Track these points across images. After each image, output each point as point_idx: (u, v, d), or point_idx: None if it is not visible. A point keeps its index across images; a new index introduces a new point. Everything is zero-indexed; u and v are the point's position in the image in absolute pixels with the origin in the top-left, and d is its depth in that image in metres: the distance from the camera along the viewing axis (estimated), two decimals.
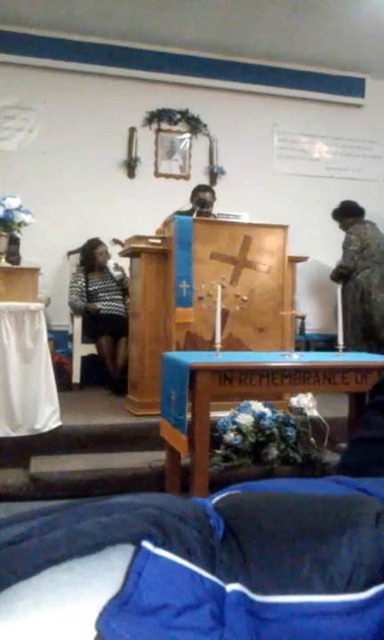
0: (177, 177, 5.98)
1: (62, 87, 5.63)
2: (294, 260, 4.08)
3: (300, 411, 3.68)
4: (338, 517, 0.44)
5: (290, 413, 3.52)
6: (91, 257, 5.16)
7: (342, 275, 5.01)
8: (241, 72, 5.94)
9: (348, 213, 5.19)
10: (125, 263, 4.72)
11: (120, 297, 5.10)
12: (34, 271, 3.57)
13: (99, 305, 4.97)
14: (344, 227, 5.22)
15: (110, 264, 5.17)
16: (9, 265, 3.57)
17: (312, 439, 3.47)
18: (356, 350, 4.42)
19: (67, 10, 5.14)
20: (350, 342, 4.60)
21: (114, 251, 5.22)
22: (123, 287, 5.06)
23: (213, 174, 6.03)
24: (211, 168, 6.04)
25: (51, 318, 5.12)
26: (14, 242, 4.56)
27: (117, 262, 5.05)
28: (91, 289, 5.07)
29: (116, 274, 5.15)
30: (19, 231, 3.57)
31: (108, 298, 5.05)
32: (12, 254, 4.49)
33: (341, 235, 5.67)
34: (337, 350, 2.92)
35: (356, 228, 5.07)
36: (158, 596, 0.37)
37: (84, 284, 5.08)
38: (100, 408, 4.04)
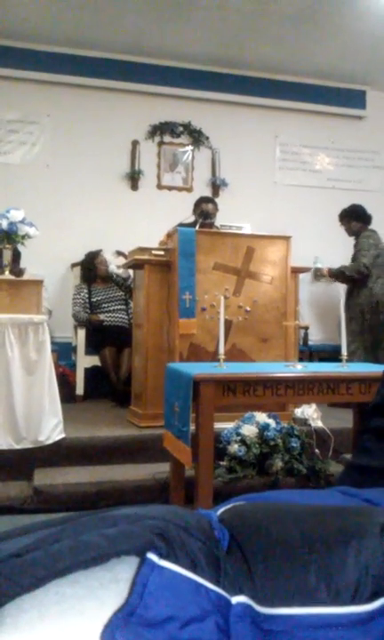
0: (180, 189, 6.01)
1: (65, 101, 5.68)
2: (297, 271, 4.08)
3: (304, 421, 3.66)
4: (343, 528, 0.44)
5: (294, 424, 3.51)
6: (92, 268, 5.18)
7: (357, 276, 4.63)
8: (243, 85, 5.99)
9: (358, 217, 4.96)
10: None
11: (123, 307, 5.11)
12: (37, 283, 3.58)
13: (102, 316, 4.98)
14: (350, 230, 4.98)
15: (112, 267, 5.19)
16: (13, 277, 3.59)
17: (317, 450, 3.45)
18: (366, 360, 4.37)
19: (70, 25, 5.20)
20: (357, 352, 4.54)
21: (117, 263, 5.24)
22: (128, 288, 5.04)
23: (216, 186, 6.06)
24: (213, 180, 6.07)
25: (54, 330, 5.12)
26: (14, 253, 4.58)
27: (118, 263, 5.07)
28: (94, 300, 5.09)
29: (120, 271, 5.15)
30: (23, 243, 3.59)
31: (111, 309, 5.06)
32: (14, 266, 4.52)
33: (344, 242, 5.69)
34: (341, 361, 2.91)
35: (371, 235, 4.82)
36: (163, 608, 0.37)
37: (86, 296, 5.10)
38: (103, 420, 4.03)
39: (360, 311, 4.63)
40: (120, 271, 5.15)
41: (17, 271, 4.55)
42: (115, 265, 5.18)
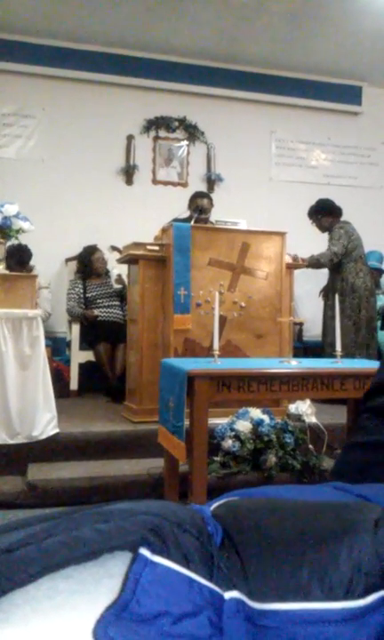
0: (175, 184, 6.00)
1: (61, 95, 5.65)
2: (292, 267, 4.08)
3: (298, 417, 3.67)
4: (336, 524, 0.44)
5: (288, 420, 3.52)
6: (88, 264, 5.17)
7: (329, 265, 4.74)
8: (239, 80, 5.98)
9: (326, 212, 4.93)
10: (123, 270, 4.73)
11: (118, 303, 5.10)
12: (32, 278, 3.57)
13: (96, 311, 4.97)
14: (322, 226, 4.95)
15: (113, 274, 5.17)
16: (7, 272, 3.57)
17: (310, 446, 3.46)
18: (364, 357, 4.40)
19: (65, 18, 5.17)
20: (353, 350, 4.55)
21: (112, 258, 5.23)
22: (122, 296, 5.06)
23: (211, 181, 6.05)
24: (208, 175, 6.06)
25: (48, 325, 5.12)
26: (25, 251, 4.63)
27: (121, 274, 5.02)
28: (88, 295, 5.08)
29: (117, 286, 5.14)
30: (17, 238, 3.57)
31: (105, 304, 5.05)
32: (23, 263, 4.57)
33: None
34: (335, 357, 2.92)
35: (343, 226, 4.84)
36: (156, 604, 0.37)
37: (81, 291, 5.09)
38: (97, 415, 4.03)
39: (354, 308, 4.65)
40: (117, 286, 5.12)
41: (29, 269, 4.61)
42: (116, 274, 5.12)
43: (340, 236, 4.79)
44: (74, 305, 5.02)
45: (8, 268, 4.02)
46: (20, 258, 4.62)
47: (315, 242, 5.88)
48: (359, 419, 0.78)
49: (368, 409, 0.78)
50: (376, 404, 0.76)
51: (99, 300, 5.06)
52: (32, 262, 4.87)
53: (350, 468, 0.71)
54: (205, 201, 4.76)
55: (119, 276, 5.07)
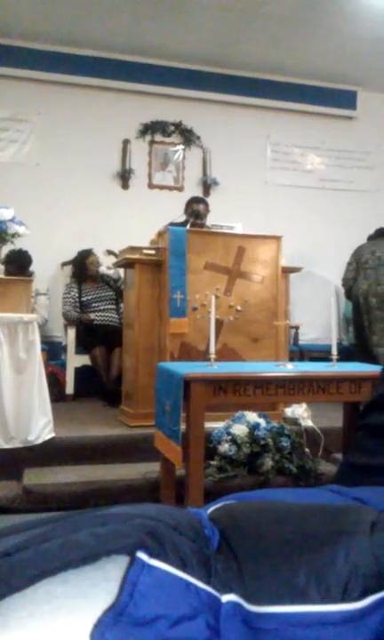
0: (171, 188, 6.01)
1: (56, 99, 5.66)
2: (288, 271, 4.09)
3: (294, 421, 3.67)
4: (333, 527, 0.44)
5: (284, 424, 3.52)
6: (82, 267, 5.17)
7: (345, 289, 5.27)
8: (234, 84, 5.99)
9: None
10: (119, 273, 4.74)
11: (114, 307, 5.10)
12: (27, 282, 3.57)
13: (92, 315, 4.97)
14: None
15: (103, 268, 5.19)
16: (2, 276, 3.57)
17: (307, 449, 3.46)
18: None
19: (60, 22, 5.18)
20: (359, 354, 4.72)
21: (108, 262, 5.23)
22: (119, 289, 5.05)
23: (207, 185, 6.06)
24: (204, 179, 6.07)
25: (44, 329, 5.11)
26: (25, 256, 4.64)
27: (109, 264, 5.07)
28: (84, 299, 5.07)
29: (111, 272, 5.16)
30: (12, 242, 3.57)
31: (101, 308, 5.05)
32: (22, 268, 4.58)
33: (334, 242, 5.79)
34: (331, 360, 2.92)
35: (352, 254, 5.21)
36: (153, 607, 0.37)
37: (77, 295, 5.08)
38: (93, 419, 4.02)
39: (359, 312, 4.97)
40: (111, 272, 5.16)
41: (28, 274, 4.62)
42: (105, 266, 5.18)
43: (347, 266, 5.21)
44: (69, 309, 5.01)
45: (8, 273, 4.03)
46: (19, 263, 4.62)
47: (309, 246, 5.90)
48: (357, 436, 0.77)
49: (366, 426, 0.76)
50: (376, 423, 0.74)
51: (94, 304, 5.06)
52: (31, 268, 4.88)
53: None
54: (202, 206, 4.76)
55: (108, 266, 5.09)
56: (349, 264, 5.18)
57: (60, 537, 0.39)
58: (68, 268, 5.43)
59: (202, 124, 6.01)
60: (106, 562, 0.38)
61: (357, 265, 5.05)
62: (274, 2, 4.83)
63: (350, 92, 6.38)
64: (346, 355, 4.69)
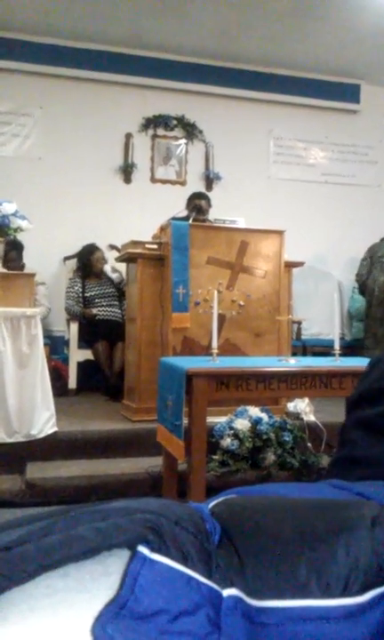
0: (173, 182, 5.99)
1: (59, 93, 5.64)
2: (290, 266, 4.08)
3: (296, 416, 3.68)
4: (334, 521, 0.44)
5: (287, 418, 3.52)
6: (87, 263, 5.16)
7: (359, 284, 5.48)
8: (237, 78, 5.97)
9: None
10: (122, 268, 4.73)
11: (117, 302, 5.10)
12: (30, 276, 3.57)
13: (95, 310, 4.97)
14: None
15: (107, 268, 5.19)
16: (5, 270, 3.57)
17: (309, 444, 3.47)
18: None
19: (63, 16, 5.16)
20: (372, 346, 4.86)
21: (110, 256, 5.22)
22: (120, 290, 5.06)
23: (209, 180, 6.05)
24: (207, 173, 6.06)
25: (47, 324, 5.12)
26: (17, 247, 4.58)
27: (113, 265, 5.06)
28: (87, 295, 5.07)
29: (114, 275, 5.16)
30: (15, 236, 3.57)
31: (104, 304, 5.05)
32: (13, 260, 4.52)
33: (337, 236, 5.82)
34: (334, 355, 2.92)
35: (366, 252, 5.44)
36: (154, 601, 0.37)
37: (80, 290, 5.08)
38: (96, 413, 4.03)
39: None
40: (114, 275, 5.14)
41: (16, 264, 4.56)
42: (110, 267, 5.15)
43: (361, 262, 5.43)
44: (72, 304, 5.01)
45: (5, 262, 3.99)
46: (11, 251, 4.59)
47: (313, 240, 5.89)
48: (344, 430, 0.75)
49: (354, 420, 0.75)
50: (363, 416, 0.73)
51: (97, 300, 5.06)
52: (30, 261, 4.86)
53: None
54: (203, 202, 4.75)
55: (112, 267, 5.08)
56: (363, 260, 5.35)
57: (60, 531, 0.39)
58: (71, 263, 5.42)
59: (204, 118, 5.99)
60: (107, 556, 0.38)
61: (372, 260, 5.22)
62: None
63: (354, 86, 6.35)
64: (349, 350, 4.69)
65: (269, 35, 5.43)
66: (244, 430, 3.22)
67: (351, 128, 6.44)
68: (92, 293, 5.08)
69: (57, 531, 0.39)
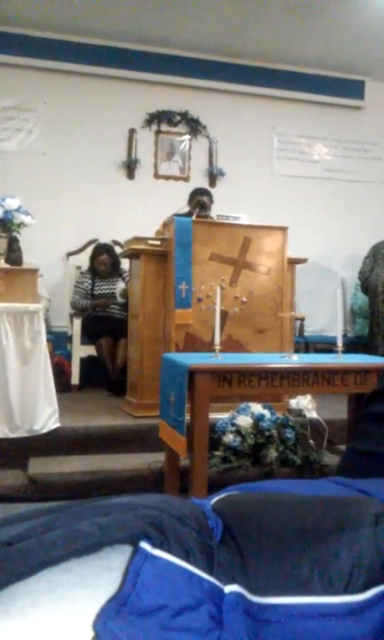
0: (176, 178, 5.98)
1: (62, 88, 5.63)
2: (293, 262, 4.08)
3: (299, 412, 3.68)
4: (337, 518, 0.44)
5: (289, 415, 3.52)
6: (92, 264, 5.14)
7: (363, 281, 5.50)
8: (241, 74, 5.95)
9: None
10: (125, 265, 4.72)
11: (123, 301, 5.07)
12: (33, 272, 3.57)
13: (98, 308, 4.94)
14: None
15: (118, 287, 5.06)
16: (8, 266, 3.57)
17: (311, 441, 3.47)
18: None
19: (67, 11, 5.15)
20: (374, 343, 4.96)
21: (120, 287, 5.11)
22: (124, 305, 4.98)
23: (213, 176, 6.03)
24: (210, 169, 6.04)
25: (50, 319, 5.12)
26: (13, 241, 4.56)
27: (126, 289, 4.89)
28: (96, 293, 5.06)
29: (121, 300, 5.00)
30: (18, 232, 3.57)
31: (109, 303, 5.03)
32: (12, 251, 4.49)
33: (340, 233, 5.82)
34: (337, 352, 2.91)
35: (369, 250, 5.45)
36: (156, 597, 0.37)
37: (89, 287, 5.07)
38: (98, 409, 4.04)
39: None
40: (121, 300, 5.03)
41: (15, 259, 4.53)
42: (118, 293, 5.02)
43: (364, 260, 5.44)
44: (79, 298, 5.00)
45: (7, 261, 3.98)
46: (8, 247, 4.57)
47: (316, 236, 5.88)
48: (360, 423, 0.76)
49: (371, 414, 0.75)
50: (381, 411, 0.74)
51: (103, 299, 5.04)
52: (32, 257, 4.85)
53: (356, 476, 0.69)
54: (205, 198, 4.74)
55: (124, 290, 4.98)
56: (367, 257, 5.36)
57: (62, 526, 0.39)
58: (74, 258, 5.42)
59: (208, 114, 5.97)
60: (108, 552, 0.38)
61: (375, 258, 5.23)
62: None
63: (358, 82, 6.33)
64: (352, 347, 4.69)
65: (274, 30, 5.41)
66: (246, 427, 3.23)
67: (355, 124, 6.41)
68: (100, 292, 5.07)
69: (59, 526, 0.39)
